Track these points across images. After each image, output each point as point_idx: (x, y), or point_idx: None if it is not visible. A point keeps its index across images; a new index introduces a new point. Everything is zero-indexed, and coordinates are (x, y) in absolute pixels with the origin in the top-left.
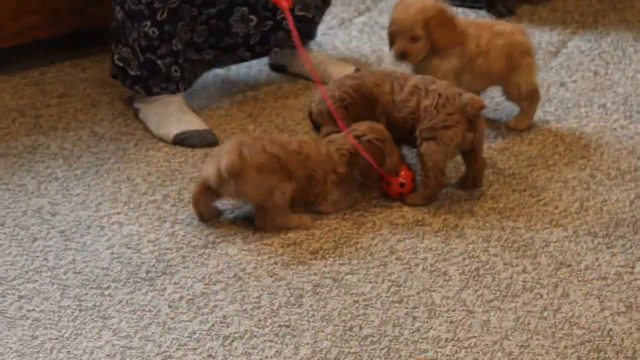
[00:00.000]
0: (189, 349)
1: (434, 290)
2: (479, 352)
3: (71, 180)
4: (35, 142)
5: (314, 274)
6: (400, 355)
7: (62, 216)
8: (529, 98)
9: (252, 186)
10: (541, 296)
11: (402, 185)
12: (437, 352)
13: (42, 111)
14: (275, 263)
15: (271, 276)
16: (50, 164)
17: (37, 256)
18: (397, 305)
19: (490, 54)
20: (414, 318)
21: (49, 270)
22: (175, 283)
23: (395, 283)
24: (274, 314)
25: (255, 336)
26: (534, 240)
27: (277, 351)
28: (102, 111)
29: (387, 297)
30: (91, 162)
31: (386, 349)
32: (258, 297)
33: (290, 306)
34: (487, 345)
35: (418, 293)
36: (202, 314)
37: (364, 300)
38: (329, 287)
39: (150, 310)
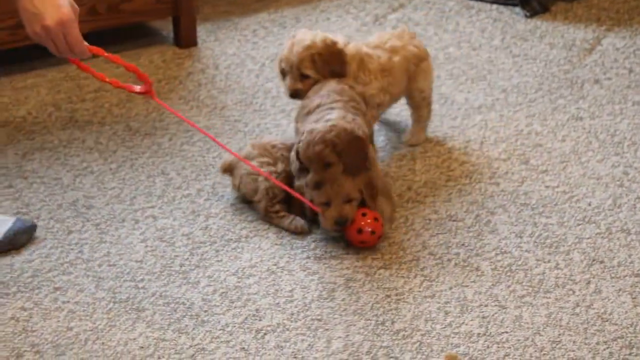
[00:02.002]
0: (221, 341)
1: (466, 286)
2: (510, 348)
3: (106, 174)
4: (70, 136)
5: (347, 268)
6: (432, 350)
7: (97, 209)
8: (427, 104)
9: None
10: (573, 292)
11: (359, 231)
12: (469, 347)
13: (77, 105)
14: (308, 257)
15: (304, 270)
16: (86, 158)
17: (72, 249)
18: (429, 300)
19: (393, 72)
20: (446, 313)
21: (84, 263)
22: (208, 276)
23: (427, 278)
24: (306, 307)
25: (287, 329)
26: (567, 236)
27: (309, 344)
28: (137, 106)
29: (419, 291)
30: (126, 156)
31: (418, 343)
32: (291, 291)
33: (322, 300)
34: (519, 340)
35: (450, 288)
36: (235, 307)
37: (396, 294)
38: (361, 281)
39: (183, 303)
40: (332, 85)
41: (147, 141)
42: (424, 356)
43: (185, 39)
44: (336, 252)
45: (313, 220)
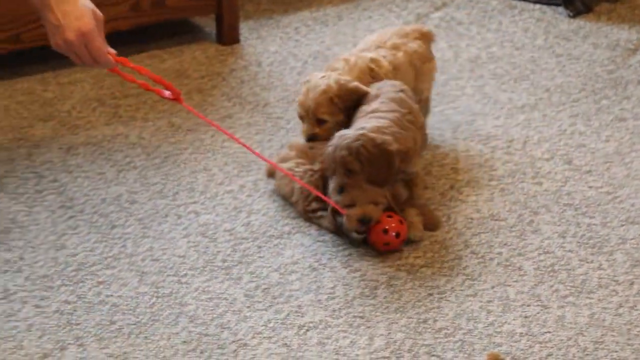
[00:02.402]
0: (264, 337)
1: (509, 285)
2: (553, 347)
3: (149, 169)
4: (114, 131)
5: (389, 266)
6: (474, 349)
7: (140, 204)
8: (425, 105)
9: None
10: (616, 293)
11: (384, 231)
12: (511, 346)
13: (121, 101)
14: (350, 255)
15: (346, 267)
16: (129, 153)
17: (116, 243)
18: (471, 298)
19: (401, 69)
20: (489, 312)
21: (127, 257)
22: (251, 272)
23: (469, 277)
24: (348, 304)
25: (329, 326)
26: (610, 237)
27: (351, 341)
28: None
29: (461, 290)
30: (169, 152)
31: (460, 342)
32: (333, 288)
33: (364, 297)
34: (561, 340)
35: (492, 287)
36: (278, 303)
37: (438, 293)
38: (403, 279)
39: (226, 299)
40: (390, 92)
41: (190, 137)
42: (466, 355)
43: (228, 36)
44: (378, 250)
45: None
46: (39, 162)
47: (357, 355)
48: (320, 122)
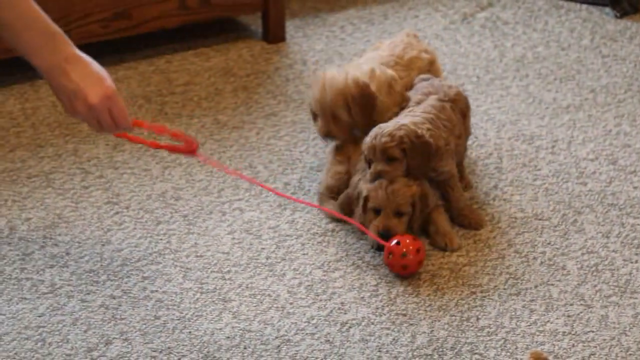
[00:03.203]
0: (307, 333)
1: (552, 284)
2: (596, 347)
3: (194, 166)
4: None
5: (432, 264)
6: (516, 347)
7: (185, 201)
8: None
9: None
10: None
11: (403, 255)
12: (554, 345)
13: (167, 98)
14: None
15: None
16: None
17: (161, 239)
18: (514, 297)
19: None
20: (531, 311)
21: (172, 253)
22: (294, 269)
23: (512, 276)
24: (391, 302)
25: (372, 323)
26: None
27: (394, 339)
28: (225, 100)
29: (504, 289)
30: (214, 149)
31: (502, 340)
32: (376, 286)
33: (407, 295)
34: (604, 340)
35: (536, 286)
36: (321, 300)
37: (481, 291)
38: (446, 277)
39: (269, 295)
40: (433, 99)
41: (235, 134)
42: (508, 353)
43: (274, 34)
44: None
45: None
46: (86, 158)
47: (400, 352)
48: (335, 119)
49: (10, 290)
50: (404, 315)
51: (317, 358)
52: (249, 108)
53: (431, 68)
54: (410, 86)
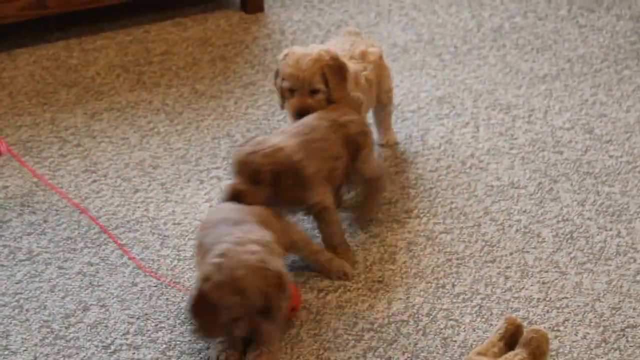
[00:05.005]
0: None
1: (527, 252)
2: (570, 313)
3: (172, 135)
4: (138, 97)
5: (408, 232)
6: (492, 314)
7: (162, 169)
8: (391, 101)
9: None
10: (635, 260)
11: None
12: (528, 311)
13: (145, 68)
14: (370, 220)
15: (365, 233)
16: (153, 119)
17: (139, 207)
18: (489, 264)
19: (373, 83)
20: (507, 278)
21: (150, 221)
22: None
23: (488, 243)
24: (367, 269)
25: (348, 290)
26: (629, 205)
27: (369, 305)
28: (203, 69)
29: (480, 256)
30: (192, 118)
31: (478, 306)
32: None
33: (383, 262)
34: (578, 306)
35: (511, 254)
36: (298, 267)
37: (457, 258)
38: (422, 245)
39: None
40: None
41: (213, 103)
42: (483, 319)
43: (252, 5)
44: (398, 216)
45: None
46: (63, 127)
47: (376, 318)
48: (314, 92)
49: None
50: (380, 282)
51: (294, 324)
52: (227, 77)
53: (380, 62)
54: (371, 79)
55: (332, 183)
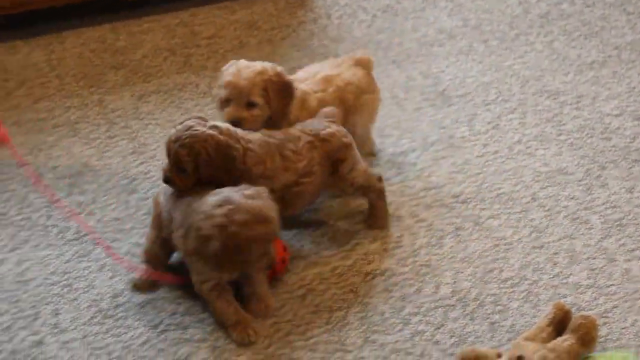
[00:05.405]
0: (331, 283)
1: (575, 238)
2: (619, 300)
3: (218, 118)
4: (185, 80)
5: (455, 216)
6: (539, 299)
7: None
8: (361, 141)
9: None
10: None
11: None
12: (576, 297)
13: (192, 50)
14: (417, 205)
15: (413, 217)
16: (199, 102)
17: None
18: (537, 250)
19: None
20: (555, 264)
21: None
22: (317, 220)
23: (536, 229)
24: (414, 253)
25: (395, 274)
26: None
27: (417, 289)
28: (250, 53)
29: (527, 242)
30: None
31: (525, 292)
32: (399, 237)
33: (431, 247)
34: (627, 293)
35: (559, 240)
36: (345, 251)
37: (505, 244)
38: (469, 229)
39: (293, 245)
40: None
41: None
42: (531, 305)
43: None
44: (445, 200)
45: None
46: (111, 109)
47: (423, 302)
48: (250, 105)
49: (37, 236)
50: (428, 266)
51: (341, 307)
52: (273, 61)
53: (360, 96)
54: (326, 101)
55: (296, 201)
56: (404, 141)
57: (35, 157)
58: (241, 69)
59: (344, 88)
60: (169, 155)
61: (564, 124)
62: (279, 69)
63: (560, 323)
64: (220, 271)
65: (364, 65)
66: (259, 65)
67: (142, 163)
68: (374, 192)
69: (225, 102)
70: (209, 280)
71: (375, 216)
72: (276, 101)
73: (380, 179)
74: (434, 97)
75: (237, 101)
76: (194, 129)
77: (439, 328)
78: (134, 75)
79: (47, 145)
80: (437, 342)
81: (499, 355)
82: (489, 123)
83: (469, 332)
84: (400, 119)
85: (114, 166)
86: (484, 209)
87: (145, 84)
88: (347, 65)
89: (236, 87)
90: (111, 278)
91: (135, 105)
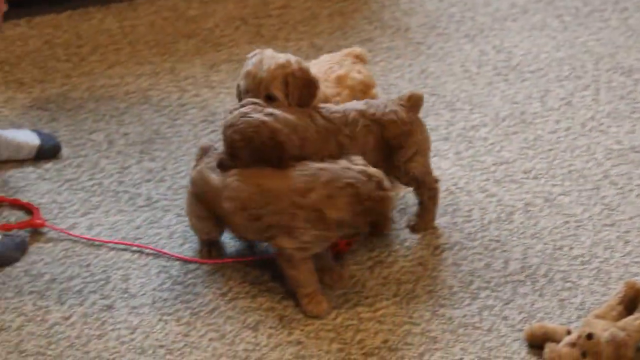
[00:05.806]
0: (399, 255)
1: None
2: None
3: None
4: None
5: (526, 192)
6: (610, 277)
7: None
8: None
9: None
10: None
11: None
12: None
13: (263, 21)
14: (487, 179)
15: (483, 192)
16: None
17: None
18: (608, 228)
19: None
20: (626, 242)
21: None
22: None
23: (608, 207)
24: (484, 228)
25: (464, 248)
26: None
27: (486, 264)
28: (321, 24)
29: (599, 219)
30: None
31: (596, 270)
32: (469, 212)
33: (500, 222)
34: None
35: (631, 218)
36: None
37: (575, 221)
38: (539, 206)
39: None
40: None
41: None
42: (602, 282)
43: None
44: (516, 176)
45: None
46: (182, 77)
47: (492, 277)
48: (269, 99)
49: (108, 202)
50: (497, 241)
51: (409, 280)
52: (345, 33)
53: (366, 93)
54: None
55: None
56: (475, 115)
57: (107, 123)
58: (264, 59)
59: (355, 87)
60: (224, 140)
61: (637, 102)
62: (305, 65)
63: (631, 301)
64: (358, 228)
65: (364, 59)
66: (283, 57)
67: (212, 132)
68: (427, 189)
69: (244, 94)
70: (310, 249)
71: (421, 217)
72: (296, 98)
73: (437, 181)
74: (507, 72)
75: (255, 93)
76: (249, 115)
77: (507, 303)
78: (205, 44)
79: (119, 112)
80: (505, 318)
81: (569, 332)
82: (561, 99)
83: (538, 308)
84: (472, 93)
85: (184, 134)
86: (555, 185)
87: (217, 52)
88: (350, 62)
89: (255, 78)
90: (181, 245)
91: (206, 74)
